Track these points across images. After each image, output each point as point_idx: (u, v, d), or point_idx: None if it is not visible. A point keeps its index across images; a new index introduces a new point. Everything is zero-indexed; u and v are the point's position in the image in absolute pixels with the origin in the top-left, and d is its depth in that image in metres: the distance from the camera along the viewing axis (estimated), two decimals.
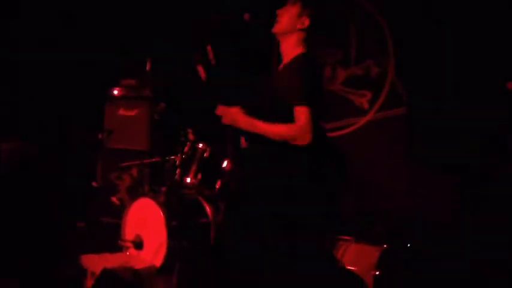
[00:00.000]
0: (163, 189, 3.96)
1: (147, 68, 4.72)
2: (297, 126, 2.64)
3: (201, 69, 3.31)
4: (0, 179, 4.03)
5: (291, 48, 2.84)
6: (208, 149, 3.83)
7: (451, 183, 4.05)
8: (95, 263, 3.61)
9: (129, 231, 3.93)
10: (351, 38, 4.77)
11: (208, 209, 3.91)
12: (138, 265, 3.62)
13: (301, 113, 2.64)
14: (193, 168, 3.84)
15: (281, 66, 2.90)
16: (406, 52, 4.43)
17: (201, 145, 3.86)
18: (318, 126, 2.74)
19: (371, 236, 3.64)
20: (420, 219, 3.96)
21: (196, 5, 4.82)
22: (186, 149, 3.87)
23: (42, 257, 3.67)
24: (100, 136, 4.61)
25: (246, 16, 3.11)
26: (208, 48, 3.31)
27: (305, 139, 2.64)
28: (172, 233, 3.68)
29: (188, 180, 3.81)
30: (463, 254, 3.65)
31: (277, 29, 2.85)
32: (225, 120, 2.87)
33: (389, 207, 4.12)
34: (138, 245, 3.84)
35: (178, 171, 3.82)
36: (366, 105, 4.68)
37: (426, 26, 4.27)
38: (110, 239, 4.01)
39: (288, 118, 2.67)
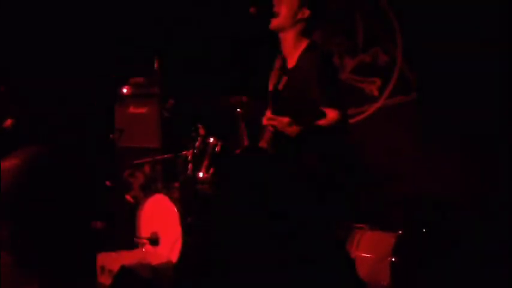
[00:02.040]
0: (177, 185, 3.97)
1: (155, 65, 4.74)
2: (335, 115, 2.66)
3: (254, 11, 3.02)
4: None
5: (293, 42, 2.79)
6: (219, 143, 3.84)
7: (465, 165, 4.03)
8: (112, 260, 3.64)
9: (145, 228, 3.95)
10: (357, 25, 4.74)
11: None
12: (155, 261, 3.64)
13: (332, 110, 2.66)
14: (205, 163, 3.85)
15: (292, 63, 2.85)
16: (414, 37, 4.40)
17: (211, 139, 3.87)
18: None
19: (387, 223, 3.63)
20: (435, 203, 3.94)
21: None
22: (197, 144, 3.88)
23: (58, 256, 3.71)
24: (111, 135, 4.64)
25: (252, 9, 3.08)
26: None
27: (341, 123, 2.67)
28: (187, 228, 3.70)
29: (201, 175, 3.83)
30: (484, 236, 3.62)
31: (275, 23, 2.77)
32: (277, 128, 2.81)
33: (403, 193, 4.09)
34: (154, 241, 3.86)
35: (190, 166, 3.83)
36: (375, 92, 4.65)
37: (433, 10, 4.23)
38: (126, 236, 4.04)
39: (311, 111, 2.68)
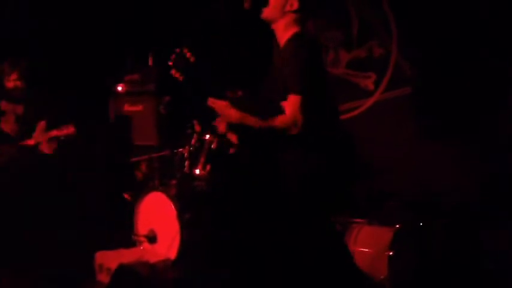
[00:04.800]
0: (174, 182, 3.97)
1: (150, 62, 4.72)
2: (286, 119, 2.63)
3: (176, 73, 3.34)
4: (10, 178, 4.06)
5: (282, 32, 2.80)
6: (215, 140, 3.84)
7: (461, 158, 4.03)
8: (110, 258, 3.64)
9: (142, 226, 3.95)
10: (352, 19, 4.74)
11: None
12: (153, 259, 3.64)
13: (291, 103, 2.62)
14: (202, 159, 3.84)
15: (278, 52, 2.86)
16: (409, 30, 4.39)
17: (207, 136, 3.87)
18: (322, 108, 2.72)
19: (383, 217, 3.64)
20: (432, 196, 3.96)
21: None
22: (193, 141, 3.88)
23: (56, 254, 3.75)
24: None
25: (246, 4, 3.08)
26: (185, 50, 3.35)
27: (294, 129, 2.63)
28: (185, 225, 3.70)
29: (197, 172, 3.83)
30: (480, 229, 3.64)
31: (265, 13, 2.80)
32: (217, 113, 2.86)
33: (400, 186, 4.10)
34: (152, 239, 3.86)
35: (187, 163, 3.83)
36: (371, 87, 4.66)
37: (428, 3, 4.23)
38: (124, 234, 4.04)
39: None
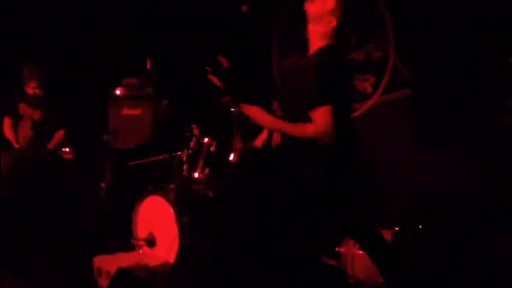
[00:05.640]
0: (172, 186, 3.97)
1: (148, 66, 4.73)
2: (316, 129, 2.59)
3: (214, 79, 3.37)
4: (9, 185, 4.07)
5: (315, 37, 2.75)
6: (213, 143, 3.85)
7: (459, 160, 4.04)
8: (109, 263, 3.63)
9: (141, 230, 3.95)
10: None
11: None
12: (152, 262, 3.64)
13: (320, 114, 2.58)
14: (200, 163, 3.85)
15: (308, 55, 2.82)
16: (407, 33, 4.40)
17: (206, 140, 3.87)
18: (343, 118, 2.70)
19: (382, 219, 3.64)
20: (431, 198, 3.96)
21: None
22: (192, 144, 3.88)
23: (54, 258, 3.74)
24: (106, 137, 4.64)
25: (244, 8, 3.08)
26: (219, 57, 3.37)
27: (326, 140, 2.60)
28: (184, 229, 3.70)
29: (196, 175, 3.83)
30: (478, 232, 3.63)
31: (308, 7, 2.74)
32: (249, 118, 2.82)
33: (399, 188, 4.10)
34: (151, 242, 3.86)
35: (185, 167, 3.83)
36: (369, 89, 4.66)
37: (425, 6, 4.24)
38: (123, 238, 4.03)
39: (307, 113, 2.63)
